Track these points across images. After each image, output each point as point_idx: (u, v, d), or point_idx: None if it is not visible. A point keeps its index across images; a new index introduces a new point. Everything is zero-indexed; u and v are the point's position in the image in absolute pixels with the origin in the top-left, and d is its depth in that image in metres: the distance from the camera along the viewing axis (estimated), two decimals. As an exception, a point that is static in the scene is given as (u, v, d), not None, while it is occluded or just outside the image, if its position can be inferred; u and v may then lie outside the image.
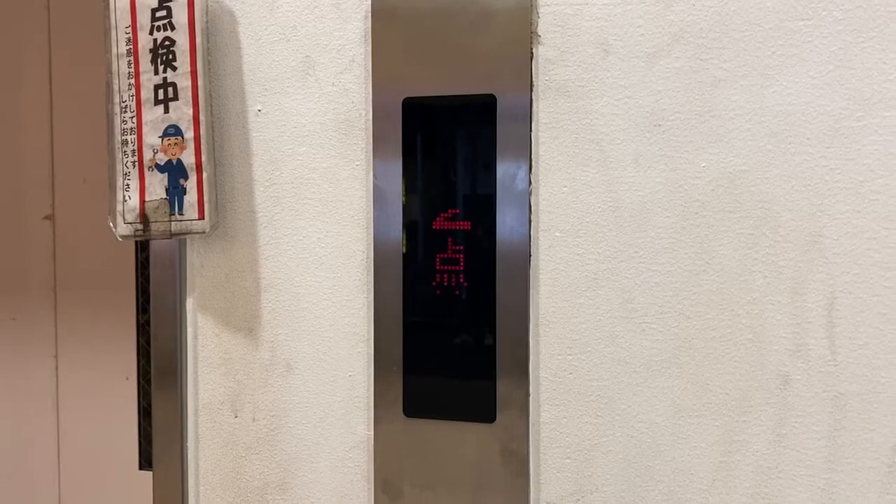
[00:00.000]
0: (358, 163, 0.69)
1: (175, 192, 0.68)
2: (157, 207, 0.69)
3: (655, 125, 0.62)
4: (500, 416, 0.65)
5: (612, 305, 0.64)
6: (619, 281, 0.64)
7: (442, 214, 0.66)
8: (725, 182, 0.61)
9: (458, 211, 0.66)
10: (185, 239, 0.72)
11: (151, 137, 0.69)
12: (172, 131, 0.68)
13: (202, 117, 0.68)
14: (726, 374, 0.62)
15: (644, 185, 0.63)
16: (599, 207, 0.64)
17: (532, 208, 0.65)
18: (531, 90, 0.64)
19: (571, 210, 0.64)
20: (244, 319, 0.73)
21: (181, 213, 0.68)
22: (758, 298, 0.61)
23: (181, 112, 0.68)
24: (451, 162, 0.66)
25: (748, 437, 0.62)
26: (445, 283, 0.66)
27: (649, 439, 0.64)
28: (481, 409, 0.65)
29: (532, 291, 0.65)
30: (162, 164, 0.68)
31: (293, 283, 0.71)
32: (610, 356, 0.64)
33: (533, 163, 0.64)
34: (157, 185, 0.69)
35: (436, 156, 0.66)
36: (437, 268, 0.66)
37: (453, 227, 0.66)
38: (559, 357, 0.65)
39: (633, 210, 0.63)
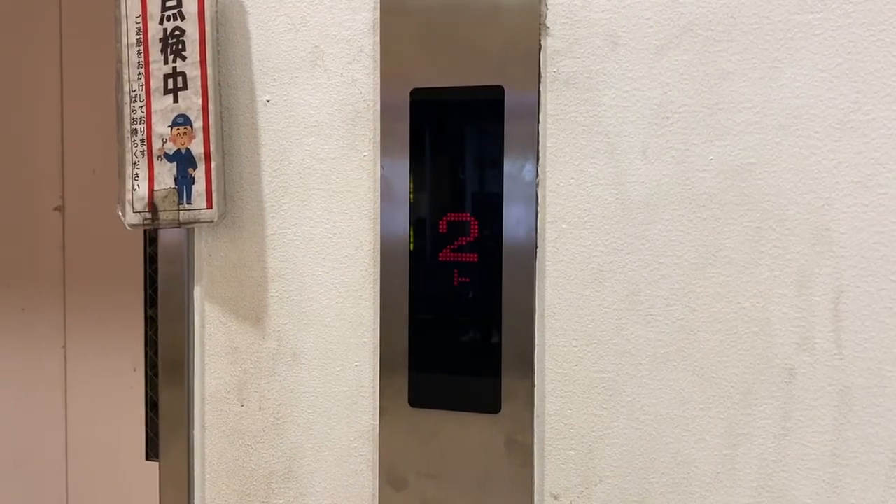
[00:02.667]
0: (366, 153, 0.69)
1: (184, 182, 0.68)
2: (166, 196, 0.69)
3: (663, 118, 0.62)
4: (506, 408, 0.65)
5: (618, 297, 0.63)
6: (626, 273, 0.63)
7: (449, 204, 0.65)
8: (733, 175, 0.61)
9: (464, 202, 0.65)
10: (194, 228, 0.72)
11: (161, 127, 0.69)
12: (181, 121, 0.68)
13: (211, 107, 0.67)
14: (732, 366, 0.61)
15: (651, 178, 0.62)
16: (606, 199, 0.63)
17: (539, 200, 0.64)
18: (539, 82, 0.63)
19: (578, 202, 0.64)
20: (251, 309, 0.72)
21: (189, 203, 0.68)
22: (764, 292, 0.60)
23: (190, 101, 0.68)
24: (458, 153, 0.66)
25: (753, 430, 0.61)
26: (452, 274, 0.65)
27: (654, 431, 0.63)
28: (487, 399, 0.65)
29: (538, 283, 0.64)
30: (171, 153, 0.68)
31: (300, 273, 0.71)
32: (615, 348, 0.64)
33: (540, 154, 0.64)
34: (165, 175, 0.69)
35: (443, 146, 0.66)
36: (444, 258, 0.65)
37: (460, 218, 0.65)
38: (564, 349, 0.65)
39: (640, 202, 0.63)
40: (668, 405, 0.63)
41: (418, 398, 0.67)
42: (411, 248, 0.66)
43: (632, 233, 0.63)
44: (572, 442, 0.65)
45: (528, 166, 0.64)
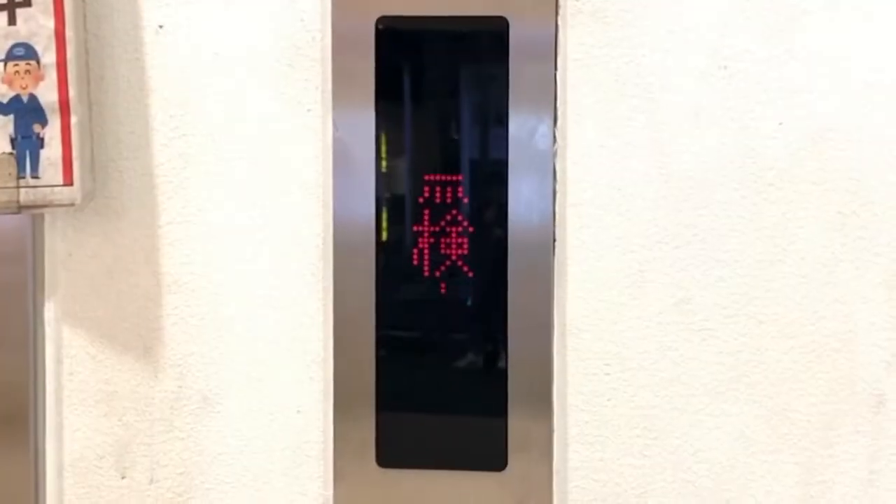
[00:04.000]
0: (311, 108, 0.60)
1: (27, 144, 0.58)
2: None
3: (720, 67, 0.56)
4: (514, 462, 0.58)
5: (664, 306, 0.58)
6: (673, 274, 0.58)
7: (433, 179, 0.58)
8: (808, 145, 0.56)
9: (456, 178, 0.58)
10: (43, 214, 0.62)
11: None
12: (21, 52, 0.58)
13: (70, 33, 0.58)
14: (808, 395, 0.57)
15: (705, 148, 0.57)
16: (648, 175, 0.57)
17: (557, 176, 0.58)
18: (557, 13, 0.57)
19: (610, 179, 0.58)
20: (137, 334, 0.63)
21: (36, 176, 0.58)
22: (846, 295, 0.56)
23: (35, 23, 0.57)
24: (445, 110, 0.59)
25: (835, 476, 0.57)
26: (437, 280, 0.58)
27: (711, 484, 0.58)
28: (487, 452, 0.59)
29: (557, 289, 0.58)
30: (4, 101, 0.58)
31: (213, 280, 0.62)
32: (661, 375, 0.58)
33: (559, 113, 0.58)
34: None
35: (424, 101, 0.60)
36: (426, 258, 0.58)
37: (449, 202, 0.58)
38: (593, 378, 0.59)
39: (692, 180, 0.57)
40: (729, 449, 0.58)
41: (390, 455, 0.59)
42: (379, 245, 0.58)
43: (681, 220, 0.57)
44: (605, 504, 0.59)
45: (543, 129, 0.58)
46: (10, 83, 0.57)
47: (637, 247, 0.58)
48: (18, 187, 0.57)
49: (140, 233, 0.63)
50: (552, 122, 0.57)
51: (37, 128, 0.58)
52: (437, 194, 0.58)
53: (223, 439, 0.62)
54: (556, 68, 0.57)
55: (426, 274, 0.58)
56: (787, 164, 0.56)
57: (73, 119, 0.57)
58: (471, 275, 0.58)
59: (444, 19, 0.58)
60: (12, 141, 0.57)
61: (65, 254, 0.63)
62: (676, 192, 0.57)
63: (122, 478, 0.63)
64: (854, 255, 0.56)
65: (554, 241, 0.58)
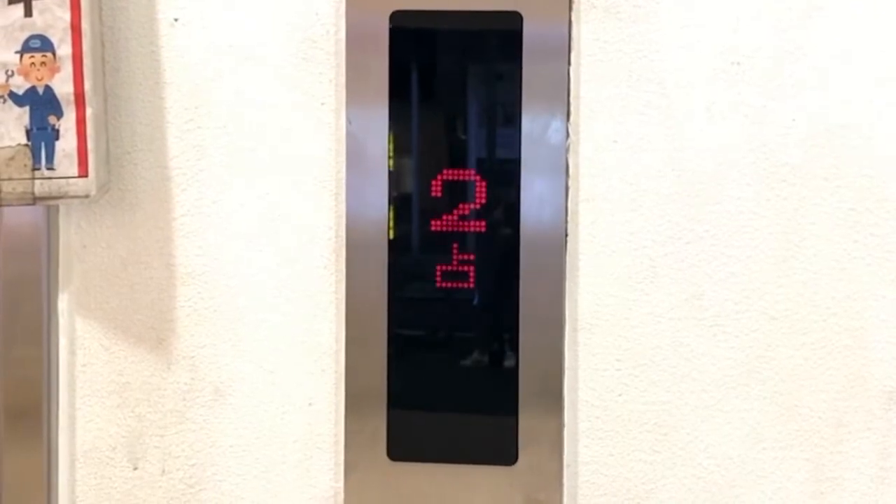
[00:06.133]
0: (324, 101, 0.60)
1: (42, 136, 0.58)
2: (13, 157, 0.58)
3: (733, 63, 0.56)
4: (524, 456, 0.58)
5: (676, 302, 0.57)
6: (685, 270, 0.57)
7: (445, 175, 0.58)
8: (821, 141, 0.55)
9: (468, 173, 0.58)
10: (58, 206, 0.63)
11: (3, 52, 0.58)
12: (38, 44, 0.58)
13: (86, 25, 0.58)
14: (819, 391, 0.57)
15: (718, 143, 0.56)
16: (660, 171, 0.57)
17: (570, 171, 0.58)
18: (570, 9, 0.57)
19: (623, 174, 0.58)
20: (150, 325, 0.63)
21: (51, 167, 0.58)
22: (859, 292, 0.56)
23: (52, 15, 0.58)
24: (458, 104, 0.59)
25: (845, 473, 0.57)
26: (449, 273, 0.58)
27: (721, 479, 0.57)
28: (498, 446, 0.58)
29: (568, 284, 0.58)
30: (20, 93, 0.58)
31: (225, 273, 0.62)
32: (672, 371, 0.58)
33: (572, 109, 0.58)
34: (11, 124, 0.58)
35: (436, 94, 0.59)
36: (439, 251, 0.58)
37: (462, 197, 0.58)
38: (604, 373, 0.58)
39: (704, 175, 0.57)
40: (740, 445, 0.57)
41: (401, 448, 0.59)
42: (391, 235, 0.58)
43: (693, 215, 0.57)
44: (614, 499, 0.59)
45: (556, 125, 0.57)
46: (25, 75, 0.57)
47: (649, 242, 0.57)
48: (34, 178, 0.58)
49: (154, 225, 0.63)
50: (565, 118, 0.57)
51: (52, 119, 0.58)
52: (450, 189, 0.58)
53: (235, 431, 0.62)
54: (569, 63, 0.57)
55: (439, 268, 0.58)
56: (800, 160, 0.55)
57: (89, 111, 0.58)
58: (483, 270, 0.58)
59: (458, 14, 0.57)
60: (28, 132, 0.58)
61: (79, 245, 0.63)
62: (689, 188, 0.57)
63: (134, 469, 0.63)
64: (866, 251, 0.55)
65: (566, 236, 0.58)
